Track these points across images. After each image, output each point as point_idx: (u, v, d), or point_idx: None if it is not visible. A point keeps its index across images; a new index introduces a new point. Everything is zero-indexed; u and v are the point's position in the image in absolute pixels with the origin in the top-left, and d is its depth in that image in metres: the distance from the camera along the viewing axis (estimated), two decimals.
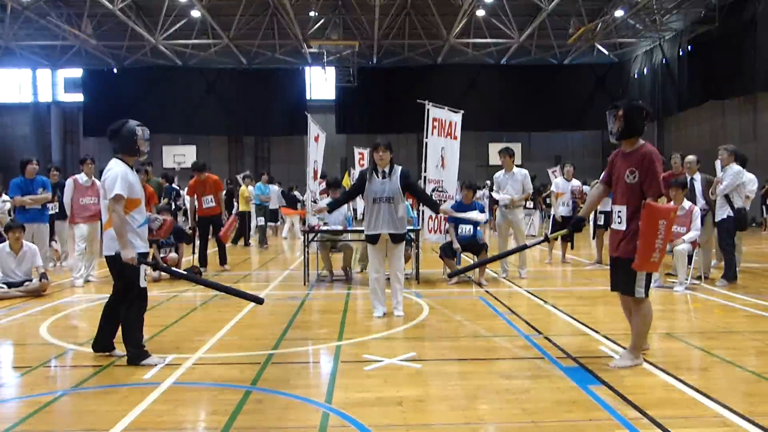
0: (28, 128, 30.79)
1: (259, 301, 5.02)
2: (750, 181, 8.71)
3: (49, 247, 10.21)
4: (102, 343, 5.07)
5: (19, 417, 3.81)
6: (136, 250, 4.77)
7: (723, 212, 8.63)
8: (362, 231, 9.75)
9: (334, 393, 4.15)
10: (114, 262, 4.83)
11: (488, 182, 22.43)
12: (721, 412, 3.72)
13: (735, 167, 8.59)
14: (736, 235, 8.88)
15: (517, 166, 9.85)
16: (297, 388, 4.26)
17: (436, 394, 4.13)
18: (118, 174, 4.77)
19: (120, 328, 4.97)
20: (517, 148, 9.80)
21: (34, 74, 31.31)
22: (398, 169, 6.69)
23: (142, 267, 4.82)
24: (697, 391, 4.09)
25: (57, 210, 10.33)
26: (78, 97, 30.58)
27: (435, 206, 7.10)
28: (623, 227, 4.65)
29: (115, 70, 29.92)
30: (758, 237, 17.36)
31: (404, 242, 6.88)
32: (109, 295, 5.14)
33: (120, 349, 5.02)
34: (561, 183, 11.68)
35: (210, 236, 11.15)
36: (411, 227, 9.15)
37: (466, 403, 3.95)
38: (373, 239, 6.66)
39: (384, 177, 6.59)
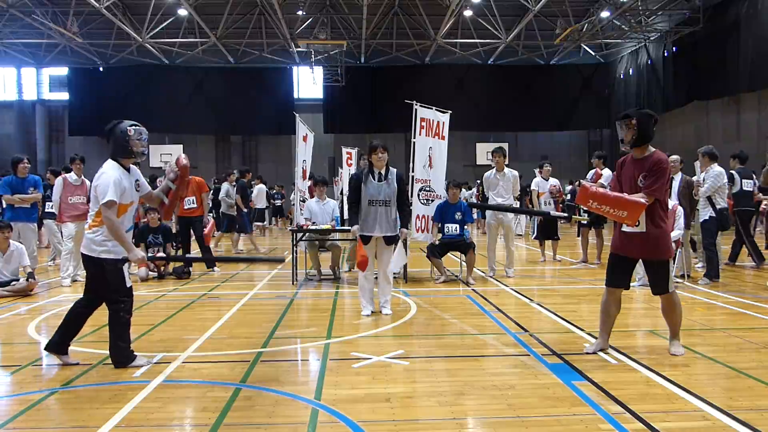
0: (12, 127, 30.51)
1: (280, 260, 4.76)
2: (719, 174, 8.79)
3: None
4: (59, 345, 4.85)
5: (9, 415, 3.82)
6: (118, 256, 4.66)
7: (705, 213, 8.76)
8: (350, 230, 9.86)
9: (323, 390, 4.20)
10: (91, 263, 4.71)
11: (478, 182, 22.57)
12: (702, 406, 3.81)
13: (716, 169, 8.72)
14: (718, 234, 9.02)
15: (505, 166, 9.93)
16: (286, 385, 4.31)
17: (424, 391, 4.19)
18: (111, 179, 4.60)
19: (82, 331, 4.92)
20: (504, 147, 9.98)
21: (19, 72, 31.04)
22: (394, 171, 6.72)
23: (125, 268, 4.78)
24: (679, 386, 4.18)
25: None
26: (63, 96, 30.36)
27: (406, 221, 6.99)
28: (643, 229, 4.75)
29: (101, 69, 29.70)
30: None
31: (395, 243, 6.92)
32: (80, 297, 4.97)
33: (73, 356, 4.91)
34: (540, 182, 11.87)
35: (192, 237, 11.04)
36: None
37: (453, 399, 4.01)
38: (365, 240, 6.69)
39: (381, 180, 6.62)
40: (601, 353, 5.01)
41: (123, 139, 4.75)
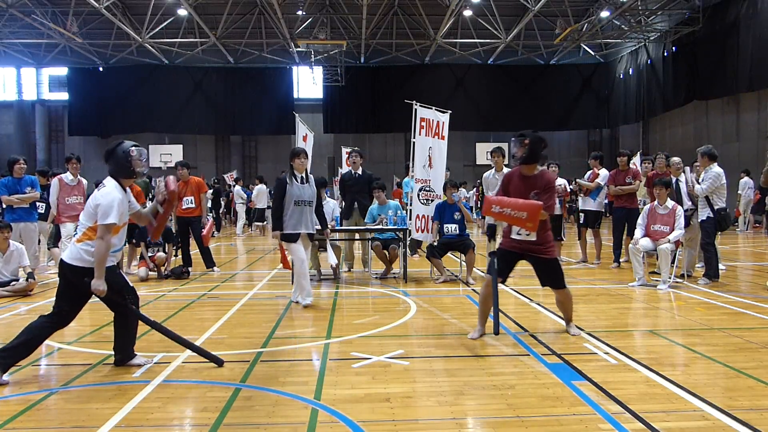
0: (12, 127, 30.53)
1: (218, 362, 4.75)
2: (718, 174, 8.74)
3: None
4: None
5: (10, 415, 3.82)
6: (113, 263, 4.65)
7: (704, 213, 8.76)
8: (350, 230, 9.88)
9: (322, 390, 4.20)
10: (80, 273, 4.53)
11: (478, 182, 22.59)
12: (701, 406, 3.81)
13: (715, 169, 8.70)
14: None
15: (504, 166, 9.93)
16: (286, 385, 4.31)
17: (424, 391, 4.19)
18: (116, 201, 4.53)
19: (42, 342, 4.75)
20: (503, 147, 9.98)
21: (19, 72, 31.07)
22: (311, 176, 7.48)
23: (121, 273, 4.81)
24: (679, 386, 4.18)
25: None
26: (63, 96, 30.38)
27: (324, 222, 7.73)
28: (534, 238, 5.38)
29: (100, 69, 29.73)
30: (738, 236, 17.58)
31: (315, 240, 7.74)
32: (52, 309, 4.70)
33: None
34: None
35: (190, 237, 11.00)
36: (398, 227, 9.23)
37: (453, 399, 4.01)
38: (294, 238, 7.18)
39: (303, 182, 7.28)
40: (600, 353, 5.01)
41: (125, 159, 4.71)
